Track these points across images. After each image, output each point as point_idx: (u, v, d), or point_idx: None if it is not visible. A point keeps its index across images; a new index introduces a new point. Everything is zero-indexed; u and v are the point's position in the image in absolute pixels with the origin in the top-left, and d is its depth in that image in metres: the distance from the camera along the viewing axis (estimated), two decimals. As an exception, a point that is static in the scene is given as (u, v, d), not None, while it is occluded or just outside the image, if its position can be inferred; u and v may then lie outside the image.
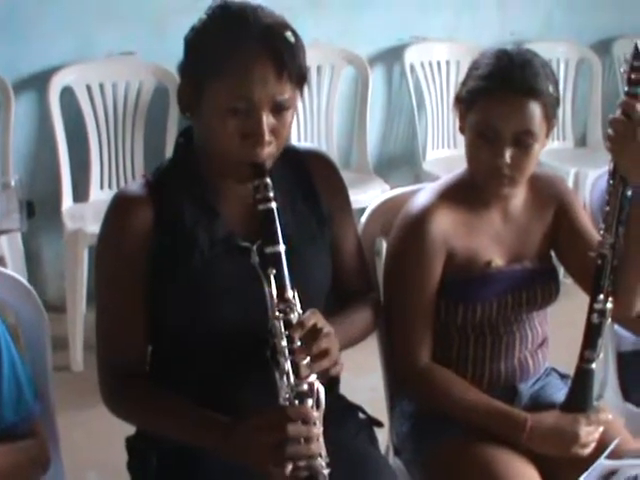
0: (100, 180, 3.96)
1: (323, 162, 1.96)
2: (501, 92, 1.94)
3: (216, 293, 1.78)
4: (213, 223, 1.79)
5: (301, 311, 1.65)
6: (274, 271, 1.65)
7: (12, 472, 1.80)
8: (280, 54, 1.66)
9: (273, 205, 1.68)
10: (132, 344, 1.83)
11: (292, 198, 1.85)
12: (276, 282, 1.65)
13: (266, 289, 1.67)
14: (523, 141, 1.95)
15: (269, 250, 1.67)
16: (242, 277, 1.77)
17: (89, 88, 3.89)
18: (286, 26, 1.71)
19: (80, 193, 3.92)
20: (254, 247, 1.77)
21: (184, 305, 1.78)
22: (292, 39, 1.69)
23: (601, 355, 2.04)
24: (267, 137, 1.68)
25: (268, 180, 1.69)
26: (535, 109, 1.94)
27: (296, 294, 1.66)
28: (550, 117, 1.98)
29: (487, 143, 1.97)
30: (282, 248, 1.66)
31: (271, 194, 1.68)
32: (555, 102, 1.99)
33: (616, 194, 1.99)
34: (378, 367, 2.32)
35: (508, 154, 1.95)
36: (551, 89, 1.97)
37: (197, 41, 1.73)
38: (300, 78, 1.72)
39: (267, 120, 1.68)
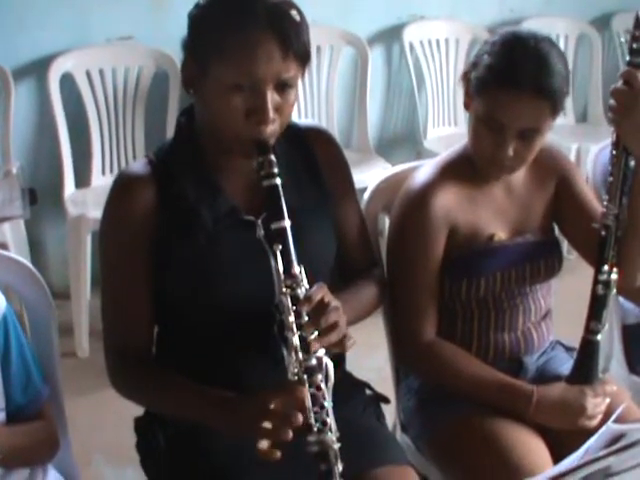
0: (102, 165, 3.95)
1: (325, 138, 1.97)
2: (511, 88, 1.90)
3: (221, 268, 1.78)
4: (216, 198, 1.79)
5: (308, 286, 1.65)
6: (280, 247, 1.65)
7: (23, 453, 1.81)
8: (286, 32, 1.66)
9: (278, 181, 1.68)
10: (138, 324, 1.83)
11: (295, 173, 1.85)
12: (282, 258, 1.65)
13: (272, 265, 1.67)
14: (527, 136, 1.94)
15: (275, 226, 1.67)
16: (247, 251, 1.77)
17: (89, 74, 3.88)
18: (291, 5, 1.71)
19: (82, 179, 3.91)
20: (259, 221, 1.77)
21: (189, 282, 1.79)
22: (297, 18, 1.69)
23: (606, 327, 2.05)
24: (271, 114, 1.68)
25: (272, 157, 1.69)
26: (544, 108, 1.92)
27: (302, 269, 1.66)
28: (558, 112, 1.96)
29: (491, 133, 1.95)
30: (288, 224, 1.66)
31: (275, 170, 1.68)
32: (564, 97, 1.95)
33: (619, 165, 1.99)
34: (384, 346, 2.33)
35: (511, 148, 1.94)
36: (563, 87, 1.93)
37: (202, 18, 1.72)
38: (304, 56, 1.71)
39: (271, 98, 1.68)
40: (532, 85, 1.89)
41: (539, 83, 1.90)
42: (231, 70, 1.65)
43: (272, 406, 1.58)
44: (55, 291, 3.36)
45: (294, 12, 1.69)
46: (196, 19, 1.73)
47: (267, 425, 1.57)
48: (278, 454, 1.57)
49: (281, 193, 1.67)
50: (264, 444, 1.57)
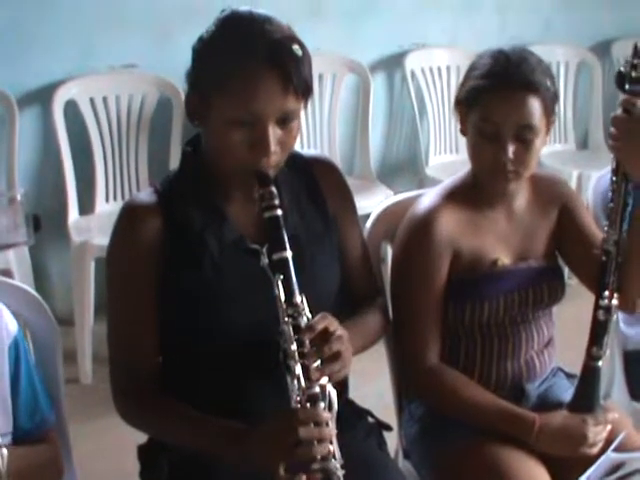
0: (105, 192, 3.97)
1: (328, 168, 1.98)
2: (500, 89, 1.97)
3: (226, 296, 1.79)
4: (222, 227, 1.81)
5: (310, 315, 1.66)
6: (281, 277, 1.67)
7: (29, 474, 1.80)
8: (287, 69, 1.66)
9: (279, 212, 1.70)
10: (144, 352, 1.84)
11: (298, 201, 1.87)
12: (284, 287, 1.67)
13: (275, 294, 1.68)
14: (524, 136, 1.98)
15: (276, 256, 1.68)
16: (252, 279, 1.78)
17: (92, 101, 3.90)
18: (293, 39, 1.71)
19: (86, 206, 3.93)
20: (263, 249, 1.77)
21: (194, 309, 1.79)
22: (299, 52, 1.69)
23: (607, 353, 2.06)
24: (273, 148, 1.69)
25: (273, 188, 1.70)
26: (534, 103, 1.97)
27: (304, 298, 1.67)
28: (549, 111, 2.01)
29: (489, 141, 1.99)
30: (289, 254, 1.68)
31: (276, 202, 1.70)
32: (553, 97, 2.02)
33: (619, 191, 2.00)
34: (386, 372, 2.33)
35: (511, 149, 1.97)
36: (549, 84, 2.00)
37: (205, 53, 1.73)
38: (306, 91, 1.72)
39: (273, 132, 1.69)
40: (516, 79, 1.96)
41: (523, 77, 1.96)
42: (233, 106, 1.67)
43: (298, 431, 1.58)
44: (59, 317, 3.36)
45: (296, 47, 1.69)
46: (199, 53, 1.74)
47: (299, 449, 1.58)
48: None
49: (282, 224, 1.69)
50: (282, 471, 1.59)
